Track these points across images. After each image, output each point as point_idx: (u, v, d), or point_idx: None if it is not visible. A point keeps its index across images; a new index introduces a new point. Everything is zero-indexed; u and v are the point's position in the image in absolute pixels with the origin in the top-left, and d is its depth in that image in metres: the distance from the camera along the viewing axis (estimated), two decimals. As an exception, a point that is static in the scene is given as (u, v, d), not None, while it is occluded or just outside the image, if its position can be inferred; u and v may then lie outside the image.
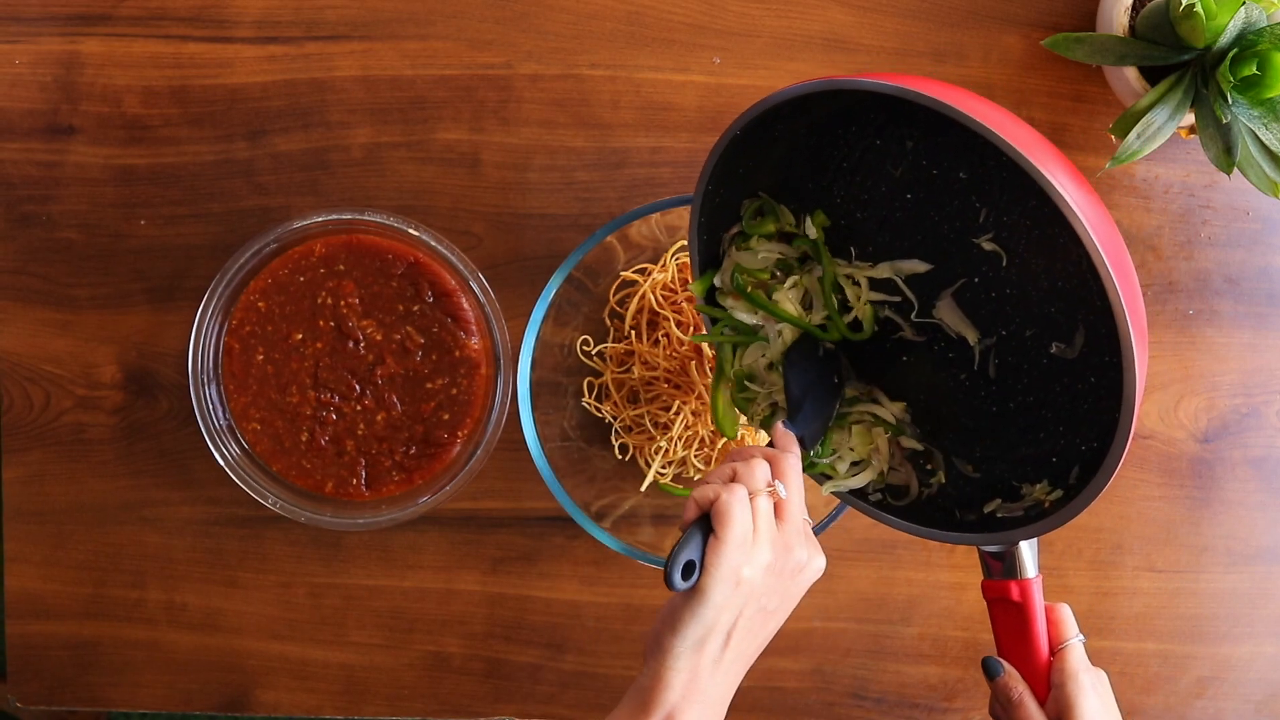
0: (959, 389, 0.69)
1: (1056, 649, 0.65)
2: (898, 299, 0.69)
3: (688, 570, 0.57)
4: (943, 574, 0.87)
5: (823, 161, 0.67)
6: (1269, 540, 0.88)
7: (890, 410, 0.70)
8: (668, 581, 0.57)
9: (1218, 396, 0.87)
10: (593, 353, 0.84)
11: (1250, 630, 0.88)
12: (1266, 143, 0.74)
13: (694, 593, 0.58)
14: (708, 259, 0.70)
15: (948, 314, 0.68)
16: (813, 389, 0.68)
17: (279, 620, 0.88)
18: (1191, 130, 0.79)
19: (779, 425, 0.65)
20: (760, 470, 0.60)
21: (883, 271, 0.69)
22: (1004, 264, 0.65)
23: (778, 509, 0.60)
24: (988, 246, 0.65)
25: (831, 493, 0.69)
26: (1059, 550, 0.88)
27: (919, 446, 0.69)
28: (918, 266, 0.68)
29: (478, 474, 0.81)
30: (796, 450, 0.64)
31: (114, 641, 0.88)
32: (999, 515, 0.63)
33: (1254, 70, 0.71)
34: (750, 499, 0.59)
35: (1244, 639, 0.88)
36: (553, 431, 0.80)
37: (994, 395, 0.68)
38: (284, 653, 0.88)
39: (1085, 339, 0.63)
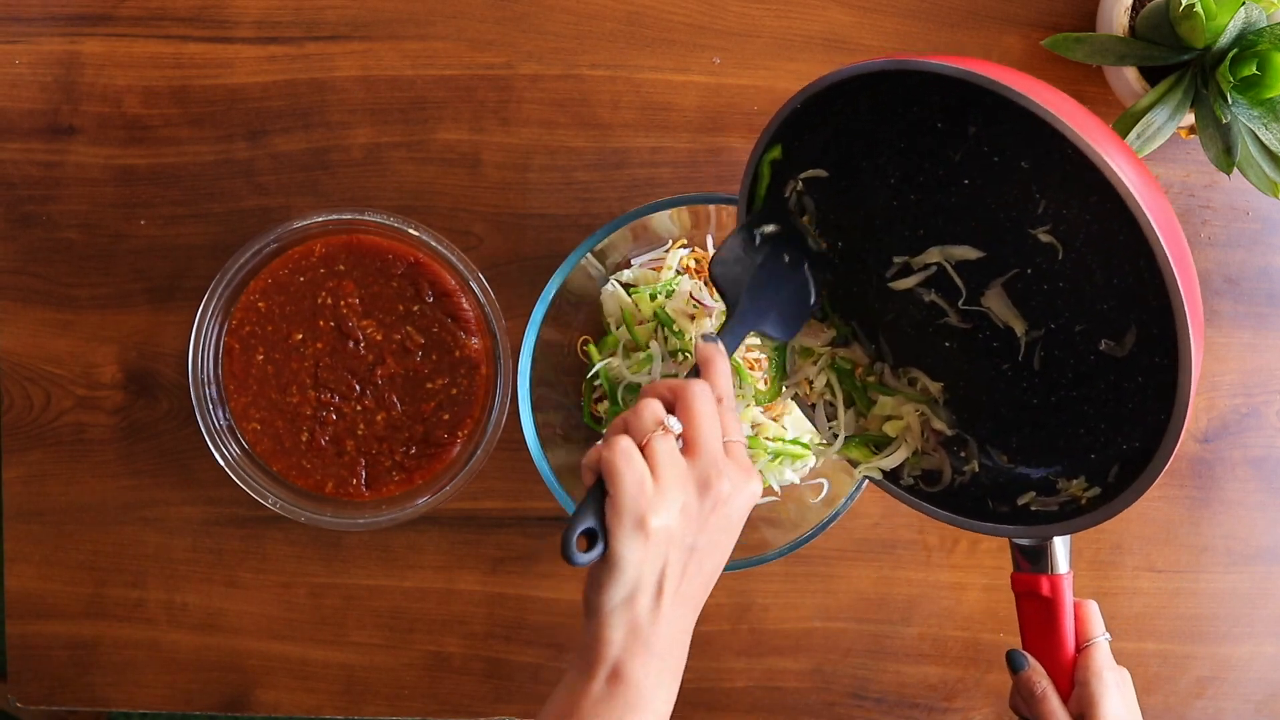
0: (1000, 379, 0.68)
1: (1082, 646, 0.65)
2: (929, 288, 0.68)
3: (593, 540, 0.55)
4: (943, 574, 0.87)
5: (879, 141, 0.66)
6: (1269, 540, 0.88)
7: (930, 385, 0.69)
8: (566, 556, 0.54)
9: (1218, 396, 0.87)
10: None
11: (1250, 630, 0.88)
12: (1266, 143, 0.74)
13: (606, 556, 0.55)
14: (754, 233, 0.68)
15: (996, 303, 0.67)
16: (753, 280, 0.65)
17: (279, 620, 0.88)
18: (1191, 130, 0.79)
19: (697, 339, 0.62)
20: (648, 412, 0.57)
21: (932, 256, 0.68)
22: (1059, 257, 0.64)
23: (685, 440, 0.57)
24: (1044, 239, 0.64)
25: (865, 476, 0.68)
26: (1059, 550, 0.88)
27: (949, 431, 0.68)
28: (969, 253, 0.67)
29: (478, 474, 0.81)
30: (719, 362, 0.60)
31: (114, 641, 0.88)
32: (1033, 508, 0.63)
33: (1254, 70, 0.71)
34: (646, 445, 0.56)
35: (1244, 639, 0.88)
36: (552, 432, 0.80)
37: (1036, 388, 0.66)
38: (284, 653, 0.88)
39: (1137, 338, 0.62)
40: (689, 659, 0.86)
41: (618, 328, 0.82)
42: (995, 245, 0.66)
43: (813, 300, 0.68)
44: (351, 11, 0.85)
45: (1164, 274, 0.50)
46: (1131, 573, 0.88)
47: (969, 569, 0.87)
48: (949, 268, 0.67)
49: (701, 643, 0.87)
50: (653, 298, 0.80)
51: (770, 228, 0.67)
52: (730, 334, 0.63)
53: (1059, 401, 0.66)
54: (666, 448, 0.56)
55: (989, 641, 0.88)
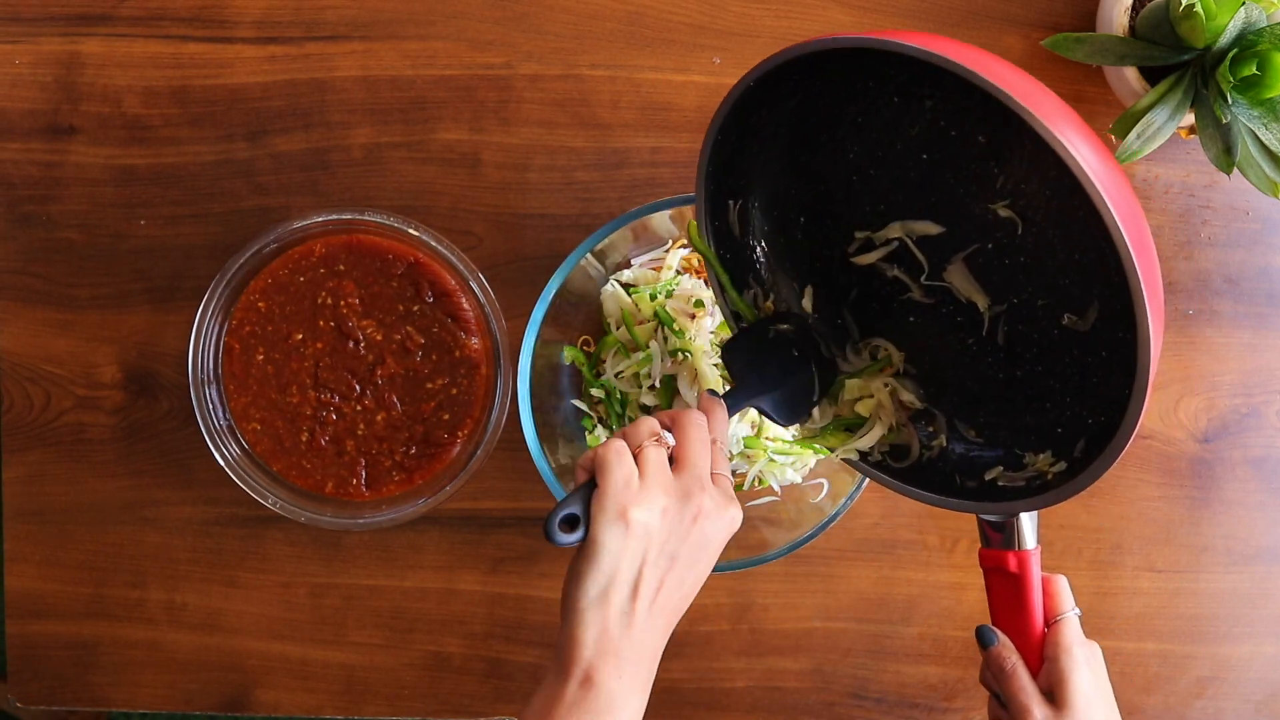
0: (965, 354, 0.68)
1: (1051, 621, 0.65)
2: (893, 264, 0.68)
3: (574, 525, 0.58)
4: (943, 574, 0.87)
5: (837, 115, 0.66)
6: (1269, 540, 0.88)
7: (894, 354, 0.70)
8: (547, 535, 0.57)
9: (1218, 396, 0.87)
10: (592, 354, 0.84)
11: (1250, 630, 0.88)
12: (1266, 143, 0.74)
13: (586, 543, 0.57)
14: (715, 206, 0.69)
15: (958, 278, 0.67)
16: (760, 364, 0.69)
17: (279, 620, 0.88)
18: (1191, 130, 0.79)
19: (704, 392, 0.67)
20: (645, 425, 0.61)
21: (893, 231, 0.68)
22: (1019, 232, 0.64)
23: (675, 458, 0.60)
24: (1003, 213, 0.64)
25: (842, 459, 0.69)
26: (1059, 550, 0.88)
27: (918, 404, 0.69)
28: (929, 228, 0.67)
29: (477, 474, 0.81)
30: (718, 412, 0.64)
31: (114, 641, 0.88)
32: (1000, 484, 0.63)
33: (1254, 70, 0.71)
34: (638, 451, 0.59)
35: (1244, 639, 0.88)
36: (553, 432, 0.80)
37: (1001, 362, 0.67)
38: (284, 653, 0.88)
39: (1099, 313, 0.62)
40: (689, 659, 0.86)
41: (618, 328, 0.82)
42: (955, 220, 0.66)
43: (815, 398, 0.70)
44: (351, 11, 0.85)
45: (1116, 244, 0.50)
46: (1131, 573, 0.88)
47: (969, 569, 0.87)
48: (910, 243, 0.68)
49: (701, 643, 0.87)
50: (653, 298, 0.80)
51: (784, 326, 0.70)
52: (732, 400, 0.67)
53: (1024, 376, 0.66)
54: (656, 455, 0.59)
55: (989, 641, 0.88)
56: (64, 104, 0.86)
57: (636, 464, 0.59)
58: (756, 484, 0.82)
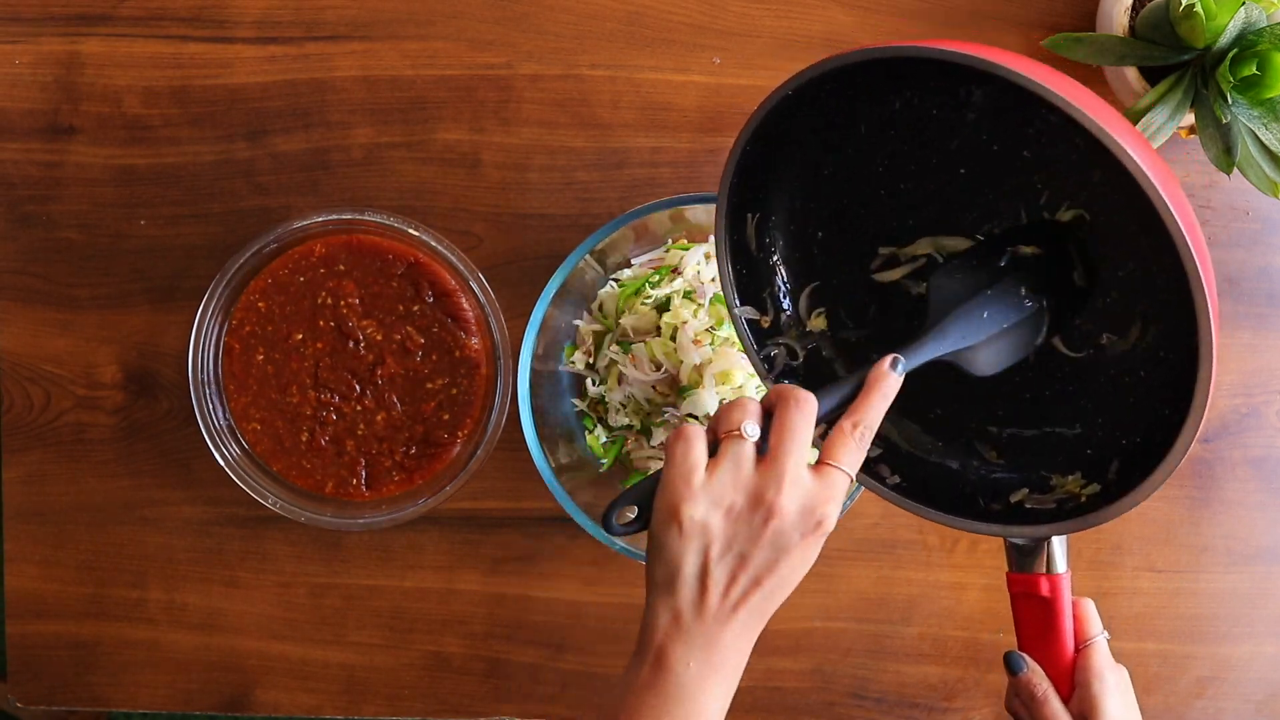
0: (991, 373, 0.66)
1: (1081, 645, 0.64)
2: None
3: (640, 513, 0.56)
4: (943, 574, 0.87)
5: (868, 127, 0.63)
6: (1269, 540, 0.88)
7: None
8: (604, 523, 0.55)
9: (1218, 396, 0.87)
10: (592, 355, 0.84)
11: (1250, 630, 0.88)
12: (1266, 143, 0.74)
13: (649, 534, 0.56)
14: (734, 219, 0.66)
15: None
16: (981, 317, 0.61)
17: (279, 620, 0.88)
18: (1191, 130, 0.79)
19: (884, 360, 0.59)
20: (737, 411, 0.56)
21: (922, 247, 0.66)
22: (1086, 233, 0.62)
23: (768, 451, 0.55)
24: (1066, 216, 0.61)
25: (858, 482, 0.67)
26: (1059, 550, 0.88)
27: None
28: (960, 244, 0.65)
29: (477, 474, 0.81)
30: (883, 390, 0.57)
31: (114, 641, 0.88)
32: (1027, 506, 0.61)
33: (1254, 70, 0.71)
34: (724, 440, 0.55)
35: (1244, 639, 0.88)
36: (553, 432, 0.80)
37: (1029, 382, 0.65)
38: (284, 653, 0.88)
39: (1141, 332, 0.60)
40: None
41: (617, 327, 0.82)
42: (989, 234, 0.64)
43: (1039, 340, 0.62)
44: (351, 11, 0.85)
45: (1188, 270, 0.49)
46: (1131, 573, 0.88)
47: (969, 569, 0.87)
48: (939, 259, 0.66)
49: (701, 643, 0.87)
50: (652, 287, 0.80)
51: (1029, 249, 0.63)
52: (918, 353, 0.59)
53: (1054, 395, 0.64)
54: (734, 449, 0.55)
55: (989, 641, 0.88)
56: (64, 104, 0.86)
57: (713, 454, 0.55)
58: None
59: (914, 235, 0.66)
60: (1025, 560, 0.63)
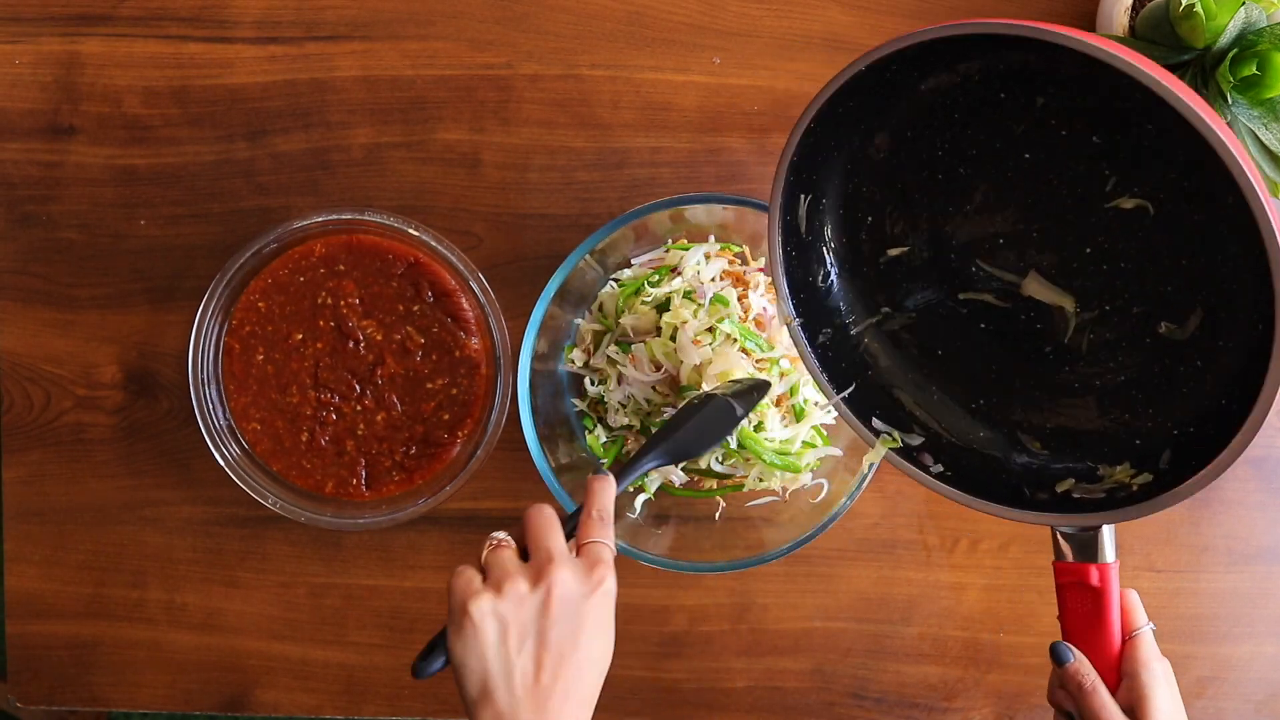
0: (1041, 361, 0.65)
1: (1128, 636, 0.63)
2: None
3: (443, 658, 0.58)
4: (943, 574, 0.87)
5: (932, 110, 0.62)
6: (1269, 540, 0.88)
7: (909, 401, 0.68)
8: (414, 672, 0.58)
9: (1218, 396, 0.87)
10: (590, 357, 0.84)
11: (1250, 630, 0.88)
12: (1266, 143, 0.74)
13: (452, 665, 0.57)
14: (790, 195, 0.66)
15: (1035, 286, 0.64)
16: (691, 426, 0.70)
17: (279, 620, 0.88)
18: (1191, 130, 0.79)
19: (590, 476, 0.66)
20: (487, 539, 0.61)
21: (1033, 290, 0.65)
22: (1146, 225, 0.61)
23: (528, 549, 0.59)
24: (1129, 205, 0.60)
25: (900, 469, 0.67)
26: (1059, 550, 0.88)
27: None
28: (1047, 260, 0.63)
29: (477, 474, 0.81)
30: (594, 486, 0.63)
31: (114, 641, 0.88)
32: (1075, 496, 0.61)
33: (1254, 70, 0.71)
34: (486, 554, 0.59)
35: (1244, 639, 0.88)
36: (552, 432, 0.80)
37: (1079, 371, 0.64)
38: (284, 653, 0.88)
39: (1201, 321, 0.59)
40: (689, 659, 0.86)
41: (616, 326, 0.82)
42: (1051, 221, 0.63)
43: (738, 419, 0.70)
44: (351, 11, 0.85)
45: (1270, 257, 0.48)
46: (1131, 573, 0.88)
47: (969, 569, 0.87)
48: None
49: (701, 643, 0.87)
50: (653, 285, 0.80)
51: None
52: (629, 471, 0.67)
53: (1105, 385, 0.63)
54: (498, 555, 0.59)
55: (989, 641, 0.88)
56: (64, 104, 0.86)
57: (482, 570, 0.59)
58: (757, 483, 0.82)
59: (970, 220, 0.64)
60: (1074, 549, 0.62)
